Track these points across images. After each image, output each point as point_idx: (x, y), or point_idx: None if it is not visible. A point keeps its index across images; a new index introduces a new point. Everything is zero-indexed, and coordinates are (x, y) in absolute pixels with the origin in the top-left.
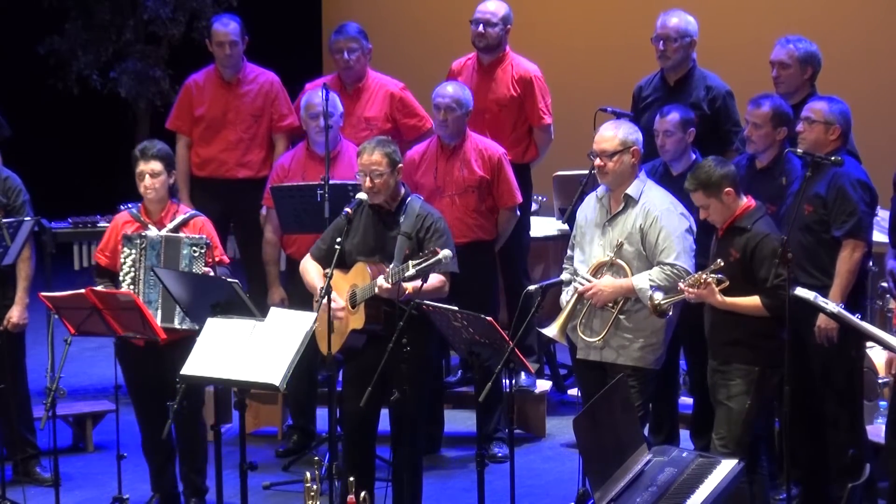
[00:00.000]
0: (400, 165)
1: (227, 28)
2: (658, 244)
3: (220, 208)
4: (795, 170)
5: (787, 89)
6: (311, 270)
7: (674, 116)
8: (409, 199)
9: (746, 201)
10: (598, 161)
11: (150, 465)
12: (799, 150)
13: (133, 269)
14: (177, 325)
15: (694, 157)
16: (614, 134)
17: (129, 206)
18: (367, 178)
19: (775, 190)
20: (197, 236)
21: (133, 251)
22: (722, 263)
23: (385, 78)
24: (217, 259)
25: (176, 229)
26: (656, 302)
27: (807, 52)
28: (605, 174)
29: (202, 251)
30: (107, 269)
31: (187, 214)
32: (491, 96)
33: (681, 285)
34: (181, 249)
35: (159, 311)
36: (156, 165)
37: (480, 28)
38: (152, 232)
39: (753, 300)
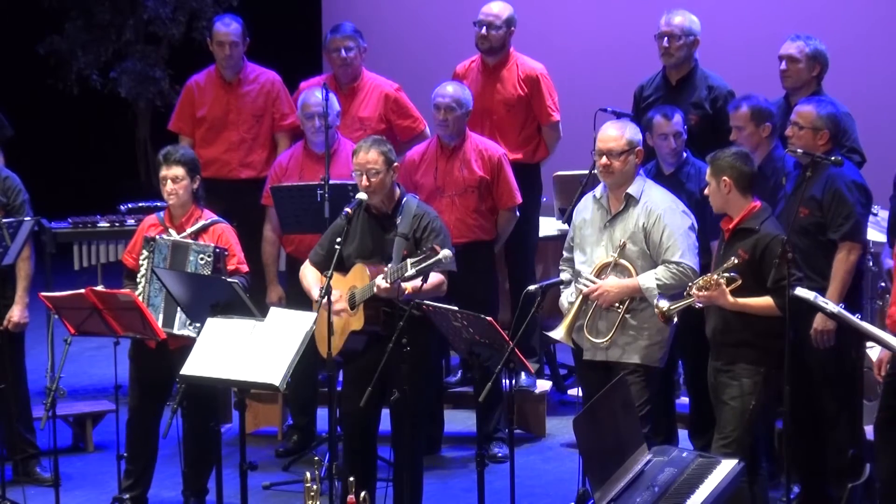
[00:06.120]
0: (395, 164)
1: (228, 28)
2: (662, 243)
3: (223, 209)
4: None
5: (793, 84)
6: (309, 276)
7: (679, 118)
8: (405, 199)
9: (752, 203)
10: (603, 160)
11: (132, 466)
12: (799, 151)
13: (146, 271)
14: (176, 330)
15: (685, 155)
16: (621, 134)
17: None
18: (364, 177)
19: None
20: (204, 244)
21: (148, 254)
22: (736, 261)
23: (380, 78)
24: (234, 268)
25: (195, 235)
26: (664, 309)
27: (816, 50)
28: (610, 174)
29: (209, 259)
30: (132, 270)
31: (207, 221)
32: (498, 97)
33: (692, 290)
34: (188, 256)
35: (161, 316)
36: (178, 171)
37: (484, 30)
38: (164, 236)
39: (765, 301)
